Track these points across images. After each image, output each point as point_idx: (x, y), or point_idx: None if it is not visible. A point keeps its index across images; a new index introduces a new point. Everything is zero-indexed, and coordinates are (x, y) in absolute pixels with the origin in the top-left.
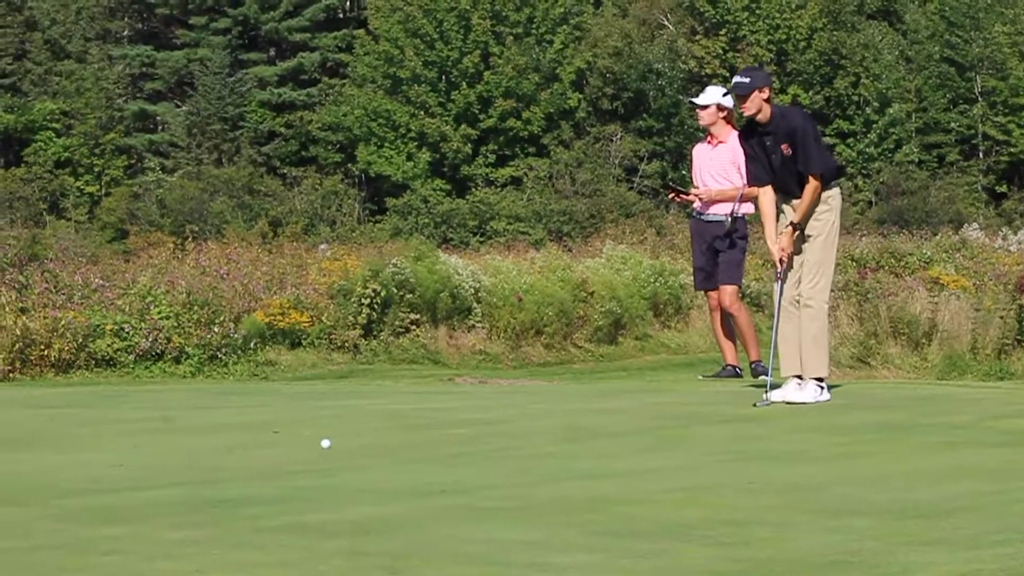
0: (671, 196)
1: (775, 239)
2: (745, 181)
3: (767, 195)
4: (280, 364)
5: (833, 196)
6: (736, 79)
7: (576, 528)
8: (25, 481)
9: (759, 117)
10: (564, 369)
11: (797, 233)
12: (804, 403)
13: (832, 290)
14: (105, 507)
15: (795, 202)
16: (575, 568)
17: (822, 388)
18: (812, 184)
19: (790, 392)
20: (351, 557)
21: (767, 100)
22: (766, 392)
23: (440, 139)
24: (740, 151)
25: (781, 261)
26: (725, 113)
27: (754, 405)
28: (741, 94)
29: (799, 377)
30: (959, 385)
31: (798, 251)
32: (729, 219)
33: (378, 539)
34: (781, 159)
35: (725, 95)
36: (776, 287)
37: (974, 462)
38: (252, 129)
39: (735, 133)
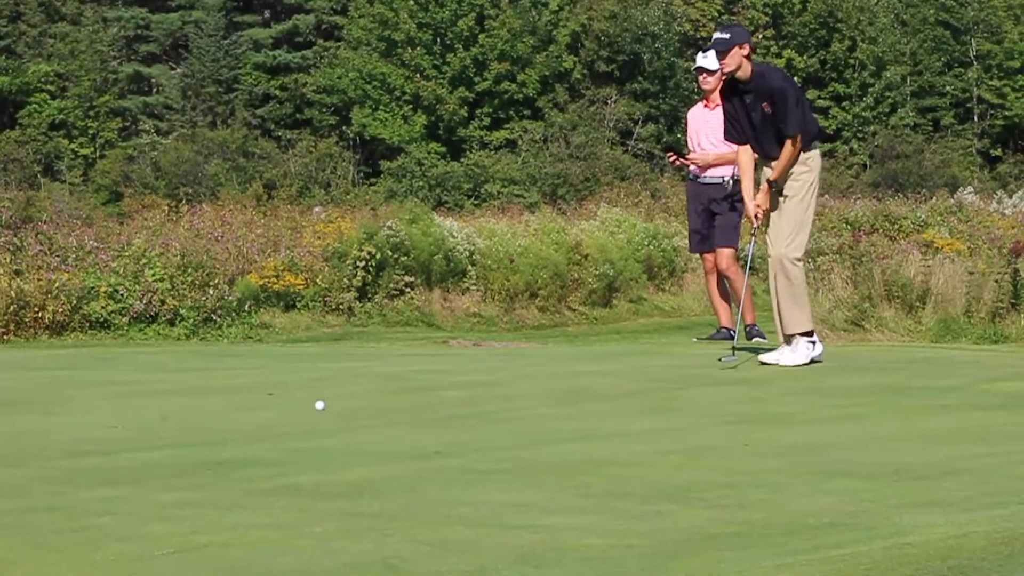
0: (672, 159)
1: (752, 196)
2: None
3: (745, 153)
4: (274, 326)
5: (812, 157)
6: (716, 35)
7: (571, 490)
8: (19, 443)
9: (739, 74)
10: (558, 332)
11: (774, 191)
12: (797, 365)
13: (826, 253)
14: (99, 469)
15: (775, 163)
16: (570, 530)
17: (813, 343)
18: (790, 144)
19: (785, 356)
20: (345, 519)
21: (747, 57)
22: (733, 350)
23: (435, 102)
24: None
25: (757, 217)
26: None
27: (719, 360)
28: (721, 50)
29: (787, 340)
30: (953, 348)
31: (775, 208)
32: (729, 181)
33: (372, 501)
34: (761, 116)
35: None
36: (752, 243)
37: (968, 425)
38: (247, 91)
39: None
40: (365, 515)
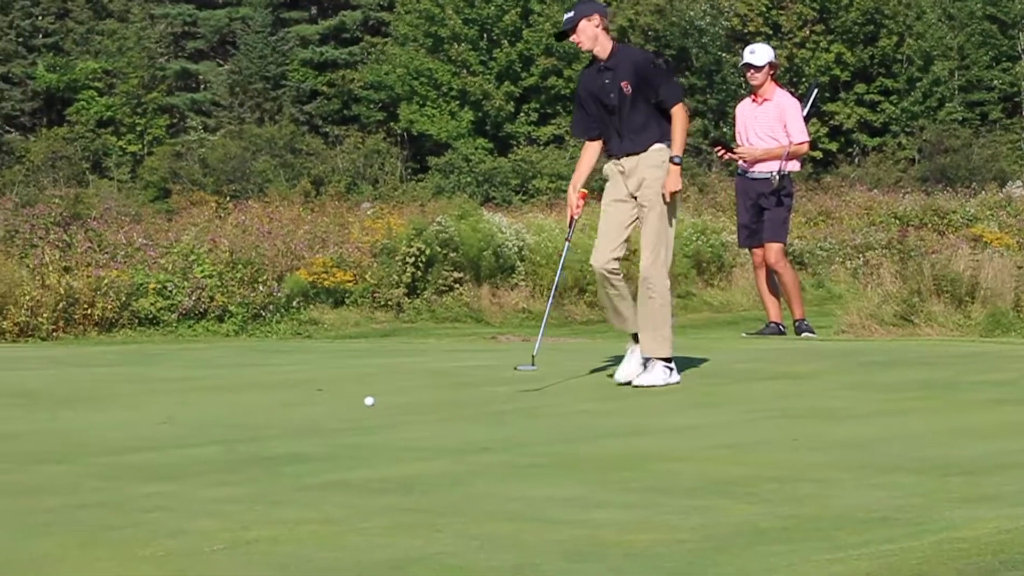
0: (720, 153)
1: (577, 188)
2: (791, 139)
3: (591, 149)
4: (323, 323)
5: (662, 152)
6: (565, 17)
7: (617, 485)
8: (70, 439)
9: (597, 51)
10: (606, 327)
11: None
12: (653, 386)
13: (875, 248)
14: (149, 465)
15: (624, 160)
16: (617, 524)
17: (670, 370)
18: (680, 112)
19: (633, 371)
20: (394, 514)
21: (605, 31)
22: (533, 355)
23: (482, 97)
24: (786, 108)
25: (573, 218)
26: (773, 71)
27: (515, 368)
28: (567, 28)
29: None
30: (1003, 342)
31: (626, 219)
32: (776, 176)
33: (421, 496)
34: (620, 97)
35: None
36: (566, 247)
37: (1019, 419)
38: (294, 88)
39: (780, 90)
40: (414, 511)
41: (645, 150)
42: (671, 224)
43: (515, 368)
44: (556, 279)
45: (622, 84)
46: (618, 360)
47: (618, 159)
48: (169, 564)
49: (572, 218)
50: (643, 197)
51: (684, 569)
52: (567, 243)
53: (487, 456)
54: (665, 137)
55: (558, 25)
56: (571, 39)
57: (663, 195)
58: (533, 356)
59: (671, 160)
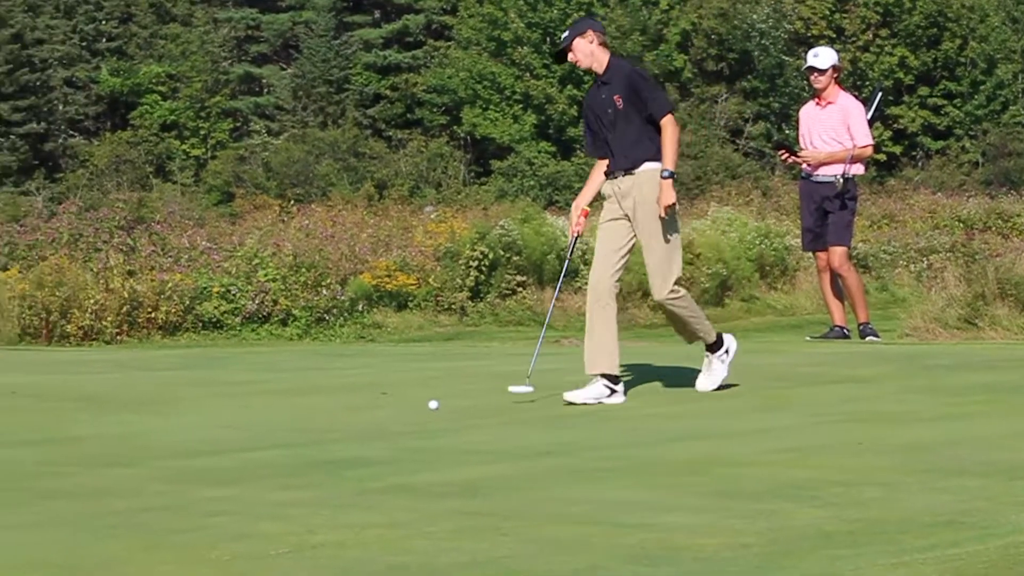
0: (783, 156)
1: (580, 206)
2: (855, 142)
3: (600, 167)
4: (387, 326)
5: (654, 172)
6: (562, 37)
7: (683, 488)
8: (134, 442)
9: (595, 67)
10: (670, 331)
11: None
12: (716, 388)
13: (939, 251)
14: (213, 468)
15: (620, 179)
16: (684, 529)
17: (726, 354)
18: (669, 124)
19: (701, 382)
20: (459, 518)
21: (603, 46)
22: (528, 375)
23: (545, 101)
24: (849, 111)
25: (577, 234)
26: (837, 74)
27: (508, 390)
28: (564, 48)
29: (607, 377)
30: None
31: (622, 238)
32: (840, 180)
33: (486, 500)
34: (614, 112)
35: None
36: (567, 263)
37: None
38: (357, 92)
39: (843, 93)
40: (479, 514)
41: (639, 166)
42: (673, 240)
43: (508, 390)
44: (555, 295)
45: (615, 98)
46: (685, 363)
47: (615, 178)
48: (234, 568)
49: (574, 235)
50: (638, 221)
51: (750, 573)
52: (567, 261)
53: (551, 459)
54: (660, 154)
55: (622, 28)
56: (569, 59)
57: (659, 213)
58: (528, 376)
59: (660, 175)
